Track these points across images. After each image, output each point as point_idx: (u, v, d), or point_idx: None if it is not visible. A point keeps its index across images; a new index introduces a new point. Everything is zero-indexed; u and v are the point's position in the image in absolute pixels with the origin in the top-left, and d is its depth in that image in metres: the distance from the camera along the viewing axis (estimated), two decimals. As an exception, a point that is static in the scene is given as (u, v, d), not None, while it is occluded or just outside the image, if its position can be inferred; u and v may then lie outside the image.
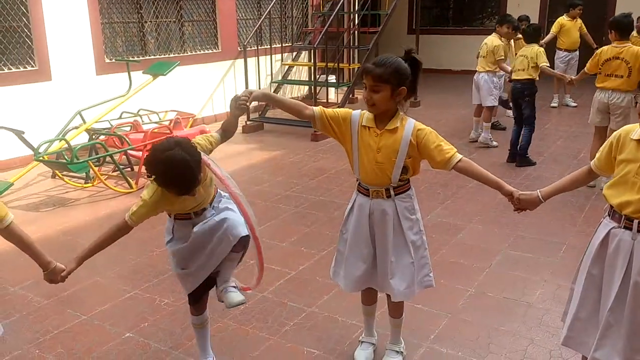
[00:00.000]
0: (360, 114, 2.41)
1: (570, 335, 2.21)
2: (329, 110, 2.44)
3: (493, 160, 6.24)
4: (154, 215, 2.29)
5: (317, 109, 2.41)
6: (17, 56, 6.20)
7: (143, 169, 5.17)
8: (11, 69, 6.15)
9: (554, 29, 8.84)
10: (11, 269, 3.73)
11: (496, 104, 6.90)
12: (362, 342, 2.78)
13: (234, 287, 2.47)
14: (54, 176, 5.72)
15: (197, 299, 2.53)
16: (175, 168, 2.08)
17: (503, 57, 6.58)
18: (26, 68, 6.28)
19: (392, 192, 2.39)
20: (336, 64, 8.87)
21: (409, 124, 2.34)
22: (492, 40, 6.66)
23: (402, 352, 2.71)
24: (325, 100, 8.12)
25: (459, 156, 2.32)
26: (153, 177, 2.15)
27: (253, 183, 5.54)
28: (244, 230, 2.35)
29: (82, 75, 6.77)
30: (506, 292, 3.37)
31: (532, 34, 6.09)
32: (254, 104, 2.37)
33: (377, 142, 2.34)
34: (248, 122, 7.92)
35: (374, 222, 2.44)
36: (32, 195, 5.30)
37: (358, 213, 2.48)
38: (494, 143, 6.81)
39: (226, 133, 2.50)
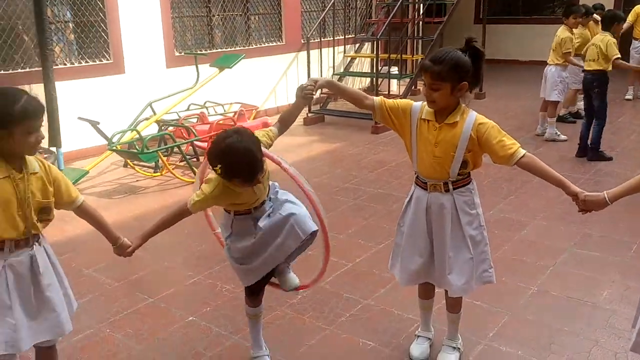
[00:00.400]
0: (421, 106, 2.39)
1: None
2: (390, 101, 2.42)
3: (561, 155, 6.00)
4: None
5: (378, 99, 2.41)
6: (94, 50, 6.55)
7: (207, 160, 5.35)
8: (88, 62, 6.50)
9: (630, 17, 8.38)
10: (85, 253, 3.97)
11: (560, 99, 6.63)
12: (418, 336, 2.78)
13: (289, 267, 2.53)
14: (125, 165, 6.02)
15: (255, 292, 2.57)
16: (237, 154, 2.11)
17: (570, 51, 6.32)
18: (102, 61, 6.62)
19: (450, 186, 2.36)
20: (399, 56, 8.78)
21: (470, 118, 2.30)
22: (561, 32, 6.42)
23: (459, 348, 2.69)
24: (387, 92, 8.05)
25: (522, 152, 2.26)
26: (217, 167, 2.16)
27: (312, 175, 5.60)
28: (313, 225, 2.37)
29: (153, 68, 7.05)
30: (571, 292, 3.25)
31: (607, 21, 5.79)
32: (317, 95, 2.38)
33: (436, 136, 2.32)
34: (309, 114, 8.00)
35: (431, 216, 2.42)
36: (105, 183, 5.60)
37: (415, 206, 2.47)
38: (562, 137, 6.55)
39: (284, 125, 2.50)
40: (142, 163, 5.68)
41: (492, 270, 2.48)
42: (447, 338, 2.70)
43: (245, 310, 2.65)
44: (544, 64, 6.74)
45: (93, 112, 5.95)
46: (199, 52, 6.85)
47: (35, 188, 1.97)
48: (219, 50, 7.78)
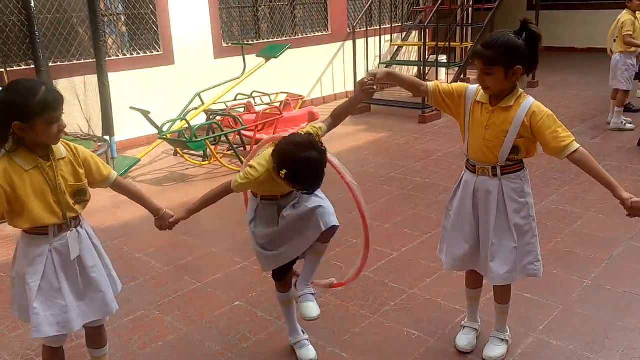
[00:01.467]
0: (476, 89, 2.34)
1: None
2: (445, 85, 2.39)
3: (620, 145, 5.75)
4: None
5: (431, 84, 2.37)
6: (144, 42, 6.71)
7: (255, 149, 5.40)
8: (139, 54, 6.67)
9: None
10: (137, 238, 4.09)
11: (629, 87, 6.33)
12: (464, 326, 2.73)
13: (313, 294, 2.50)
14: (175, 154, 6.16)
15: (281, 277, 2.57)
16: (311, 171, 2.12)
17: (630, 33, 6.01)
18: (152, 53, 6.78)
19: (498, 171, 2.30)
20: (447, 43, 8.61)
21: (525, 103, 2.23)
22: (623, 15, 6.12)
23: (507, 340, 2.62)
24: (434, 81, 7.92)
25: (575, 146, 2.17)
26: (283, 171, 2.11)
27: (358, 164, 5.57)
28: (334, 220, 2.34)
29: (202, 59, 7.17)
30: (627, 286, 3.11)
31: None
32: (377, 89, 2.36)
33: (487, 119, 2.26)
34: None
35: (478, 201, 2.37)
36: (156, 171, 5.75)
37: (463, 190, 2.42)
38: (629, 126, 6.26)
39: (336, 120, 2.49)
40: (191, 152, 5.80)
41: (538, 264, 2.39)
42: (495, 329, 2.63)
43: (277, 296, 2.65)
44: (602, 50, 6.46)
45: (144, 102, 6.11)
46: (245, 42, 6.91)
47: (66, 173, 2.01)
48: (266, 40, 7.83)
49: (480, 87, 2.27)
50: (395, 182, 5.03)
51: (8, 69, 5.45)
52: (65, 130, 5.58)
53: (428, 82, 2.40)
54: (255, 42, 7.54)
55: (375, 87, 2.34)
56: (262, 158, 2.29)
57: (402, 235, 3.93)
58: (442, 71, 8.99)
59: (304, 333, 2.70)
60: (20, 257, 2.02)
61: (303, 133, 2.26)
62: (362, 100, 2.44)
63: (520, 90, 2.26)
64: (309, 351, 2.63)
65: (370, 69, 8.57)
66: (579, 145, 2.18)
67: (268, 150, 2.28)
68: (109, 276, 2.20)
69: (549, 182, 4.79)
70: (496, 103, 2.26)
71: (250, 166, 2.28)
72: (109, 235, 4.07)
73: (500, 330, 2.62)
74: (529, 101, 2.24)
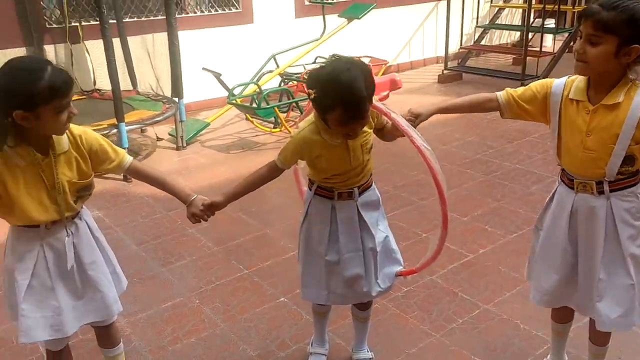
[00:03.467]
0: (564, 84, 1.80)
1: None
2: (520, 90, 1.88)
3: None
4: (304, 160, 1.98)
5: (502, 94, 1.88)
6: (223, -2, 6.41)
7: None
8: (217, 11, 6.38)
9: None
10: (193, 209, 3.87)
11: None
12: (546, 364, 2.23)
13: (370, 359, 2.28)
14: (247, 118, 5.89)
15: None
16: (339, 78, 1.72)
17: None
18: (231, 10, 6.47)
19: (606, 188, 1.76)
20: (556, 6, 7.58)
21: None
22: None
23: (600, 389, 2.10)
24: (538, 49, 7.02)
25: None
26: (313, 90, 1.75)
27: (440, 142, 5.01)
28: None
29: (282, 18, 6.77)
30: None
31: None
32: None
33: (588, 121, 1.72)
34: (445, 72, 7.26)
35: (577, 224, 1.84)
36: (225, 137, 5.51)
37: (557, 208, 1.90)
38: None
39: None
40: (261, 118, 5.50)
41: None
42: (586, 374, 2.12)
43: (312, 306, 2.30)
44: None
45: (217, 62, 5.84)
46: (325, 0, 6.40)
47: (67, 170, 1.72)
48: (350, -1, 7.26)
49: (576, 60, 1.69)
50: (480, 166, 4.44)
51: (83, 24, 5.37)
52: (137, 89, 5.28)
53: (498, 93, 1.89)
54: (338, 0, 7.01)
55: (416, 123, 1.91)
56: (311, 116, 1.93)
57: (481, 232, 3.40)
58: (549, 38, 8.00)
59: (327, 348, 2.40)
60: (9, 251, 1.77)
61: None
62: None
63: (631, 80, 1.68)
64: None
65: (465, 32, 7.78)
66: None
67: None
68: (112, 273, 1.92)
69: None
70: (598, 99, 1.70)
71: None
72: (165, 206, 3.88)
73: (593, 377, 2.10)
74: None
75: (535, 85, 1.86)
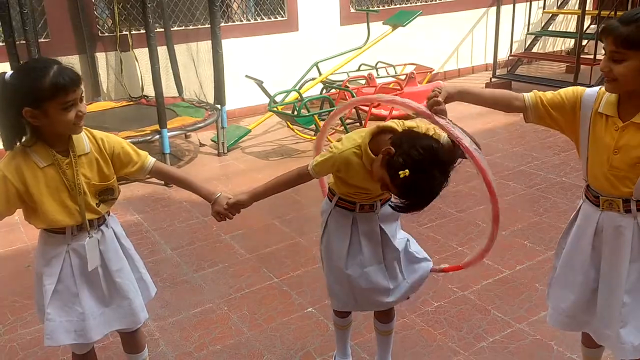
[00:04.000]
0: (596, 95, 1.70)
1: None
2: (550, 94, 1.76)
3: None
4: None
5: (530, 95, 1.77)
6: (269, 6, 6.49)
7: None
8: (263, 19, 6.47)
9: None
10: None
11: None
12: (578, 391, 2.12)
13: None
14: (288, 126, 5.93)
15: (345, 314, 2.22)
16: (431, 190, 1.67)
17: None
18: (277, 18, 6.54)
19: (633, 207, 1.66)
20: (613, 12, 7.27)
21: None
22: None
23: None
24: (592, 57, 6.74)
25: None
26: (405, 171, 1.61)
27: (484, 152, 4.82)
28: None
29: (327, 25, 6.79)
30: None
31: None
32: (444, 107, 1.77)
33: (617, 139, 1.62)
34: (493, 80, 7.08)
35: (601, 243, 1.74)
36: (266, 143, 5.56)
37: (581, 225, 1.80)
38: None
39: None
40: (302, 126, 5.52)
41: None
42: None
43: (333, 318, 2.27)
44: None
45: (261, 70, 5.92)
46: (370, 8, 6.38)
47: (87, 171, 1.76)
48: (396, 6, 7.20)
49: (605, 80, 1.61)
50: (523, 178, 4.29)
51: (132, 32, 5.56)
52: (183, 96, 5.45)
53: (525, 94, 1.78)
54: (384, 8, 6.96)
55: (443, 108, 1.69)
56: (355, 133, 1.86)
57: (520, 247, 3.28)
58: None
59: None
60: (38, 255, 1.83)
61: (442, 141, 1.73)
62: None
63: None
64: None
65: (515, 39, 7.57)
66: None
67: (365, 129, 1.85)
68: (139, 280, 1.95)
69: None
70: (629, 116, 1.60)
71: (337, 142, 1.87)
72: (202, 211, 3.94)
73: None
74: None
75: (566, 92, 1.75)
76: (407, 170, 1.60)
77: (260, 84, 5.33)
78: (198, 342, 2.60)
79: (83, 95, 1.69)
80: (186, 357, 2.51)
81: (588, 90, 1.73)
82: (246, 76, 5.45)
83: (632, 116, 1.60)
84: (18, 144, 1.69)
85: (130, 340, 2.07)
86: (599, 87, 1.72)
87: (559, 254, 1.90)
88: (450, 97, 1.73)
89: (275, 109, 5.23)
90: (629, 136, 1.61)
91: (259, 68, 6.01)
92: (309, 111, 5.14)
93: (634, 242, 1.68)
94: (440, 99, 1.68)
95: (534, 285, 2.89)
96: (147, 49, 4.44)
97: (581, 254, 1.79)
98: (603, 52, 1.65)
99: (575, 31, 8.17)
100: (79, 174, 1.73)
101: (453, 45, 7.86)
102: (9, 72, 1.64)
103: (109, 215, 1.89)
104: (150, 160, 1.92)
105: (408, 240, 2.08)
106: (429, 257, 2.14)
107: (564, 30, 8.52)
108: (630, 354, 1.75)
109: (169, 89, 5.59)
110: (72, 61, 5.32)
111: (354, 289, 2.01)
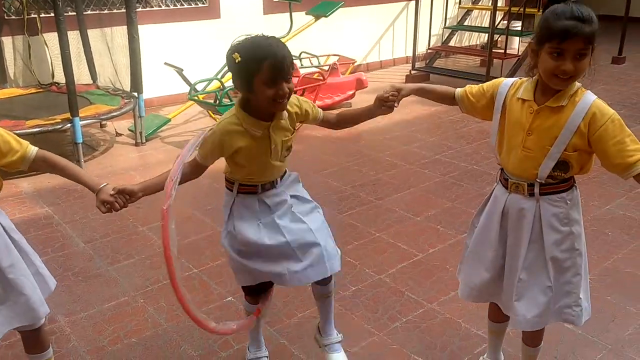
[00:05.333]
0: (512, 84, 1.83)
1: None
2: (476, 87, 1.94)
3: None
4: (224, 156, 1.93)
5: (459, 90, 1.96)
6: (190, -7, 6.34)
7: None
8: (184, 5, 6.31)
9: None
10: (146, 208, 3.79)
11: None
12: (482, 362, 2.26)
13: (339, 342, 2.25)
14: (210, 115, 5.83)
15: (253, 293, 2.19)
16: (264, 41, 1.77)
17: None
18: (197, 5, 6.40)
19: (536, 190, 1.78)
20: (522, 9, 7.68)
21: (583, 102, 1.68)
22: None
23: (533, 388, 2.13)
24: (503, 51, 7.11)
25: None
26: (236, 53, 1.75)
27: (402, 142, 5.04)
28: (338, 265, 2.02)
29: (250, 13, 6.72)
30: (701, 330, 2.51)
31: None
32: (397, 106, 1.96)
33: (531, 121, 1.74)
34: (412, 72, 7.31)
35: (507, 223, 1.87)
36: (187, 133, 5.45)
37: (491, 206, 1.94)
38: None
39: (340, 124, 2.12)
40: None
41: (578, 310, 1.86)
42: (520, 374, 2.15)
43: (244, 305, 2.27)
44: None
45: (181, 58, 5.77)
46: (292, -2, 6.37)
47: None
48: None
49: (557, 78, 1.65)
50: (438, 166, 4.48)
51: (41, 16, 5.25)
52: (97, 83, 5.27)
53: (457, 89, 1.97)
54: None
55: (396, 104, 1.92)
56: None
57: (433, 232, 3.43)
58: (515, 40, 8.12)
59: (265, 349, 2.37)
60: None
61: None
62: (378, 115, 2.00)
63: (577, 85, 1.71)
64: None
65: (433, 33, 7.84)
66: None
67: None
68: (35, 274, 1.85)
69: (619, 181, 4.08)
70: (544, 101, 1.73)
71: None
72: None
73: (527, 377, 2.13)
74: (588, 99, 1.68)
75: (487, 83, 1.91)
76: (237, 54, 1.75)
77: (180, 72, 5.20)
78: (112, 336, 2.53)
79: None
80: (99, 352, 2.44)
81: (506, 80, 1.85)
82: (165, 63, 5.29)
83: (546, 101, 1.72)
84: None
85: (32, 339, 1.96)
86: (517, 77, 1.84)
87: (472, 232, 2.03)
88: (405, 96, 1.95)
89: (196, 97, 5.14)
90: (542, 119, 1.72)
91: (179, 56, 5.85)
92: (231, 100, 5.08)
93: (534, 224, 1.80)
94: (396, 104, 1.92)
95: (445, 267, 3.03)
96: (57, 33, 4.21)
97: (491, 233, 1.91)
98: (514, 47, 1.77)
99: (488, 26, 8.59)
100: None
101: (375, 37, 8.02)
102: None
103: None
104: (33, 149, 1.79)
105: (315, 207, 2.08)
106: (333, 251, 2.04)
107: (479, 25, 8.91)
108: (522, 325, 1.89)
109: (82, 76, 5.34)
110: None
111: (246, 264, 2.00)
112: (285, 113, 1.89)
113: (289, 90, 1.79)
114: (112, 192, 1.84)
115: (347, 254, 3.16)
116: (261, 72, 1.73)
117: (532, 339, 2.05)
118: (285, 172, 2.04)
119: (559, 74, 1.64)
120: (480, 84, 1.93)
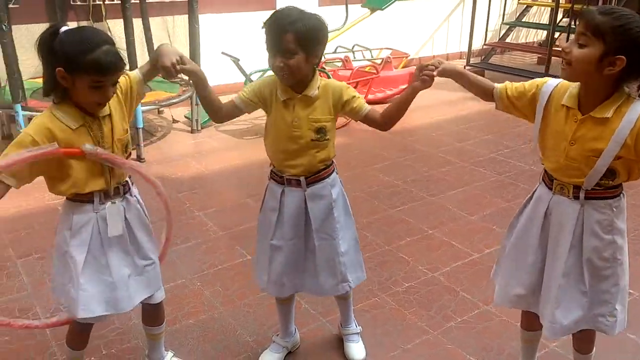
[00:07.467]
0: (557, 86, 1.75)
1: None
2: (517, 85, 1.85)
3: None
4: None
5: (499, 86, 1.86)
6: (247, -17, 6.39)
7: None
8: (242, -4, 6.38)
9: None
10: (202, 194, 3.90)
11: None
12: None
13: (358, 334, 2.34)
14: (263, 105, 5.88)
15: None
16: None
17: None
18: (255, -5, 6.46)
19: (581, 195, 1.71)
20: (586, 6, 7.42)
21: (631, 114, 1.59)
22: None
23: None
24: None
25: None
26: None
27: (455, 138, 4.97)
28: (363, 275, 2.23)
29: (306, 5, 6.63)
30: None
31: None
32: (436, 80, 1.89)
33: (574, 130, 1.67)
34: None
35: (549, 225, 1.80)
36: (240, 122, 5.50)
37: (534, 206, 1.86)
38: None
39: (387, 120, 2.05)
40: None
41: (613, 320, 1.78)
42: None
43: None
44: None
45: (238, 47, 5.84)
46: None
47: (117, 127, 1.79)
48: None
49: (561, 60, 1.64)
50: (494, 165, 4.38)
51: (106, 2, 5.41)
52: None
53: (497, 85, 1.86)
54: (364, -10, 6.93)
55: (435, 73, 1.84)
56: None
57: (488, 232, 3.37)
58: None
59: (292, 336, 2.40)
60: (63, 227, 1.80)
61: None
62: (417, 90, 1.90)
63: (625, 95, 1.62)
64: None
65: (491, 28, 7.66)
66: None
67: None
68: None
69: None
70: (588, 110, 1.65)
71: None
72: (175, 187, 3.91)
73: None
74: (635, 110, 1.59)
75: (530, 82, 1.82)
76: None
77: (236, 61, 5.27)
78: (170, 317, 2.59)
79: (117, 83, 1.71)
80: (158, 331, 2.51)
81: (550, 80, 1.77)
82: (222, 53, 5.37)
83: (591, 110, 1.64)
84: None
85: (154, 311, 2.10)
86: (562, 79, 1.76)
87: (510, 233, 1.96)
88: (445, 73, 1.85)
89: (250, 87, 5.18)
90: (586, 129, 1.65)
91: (236, 45, 5.92)
92: (284, 91, 5.10)
93: (576, 229, 1.73)
94: (435, 73, 1.83)
95: (501, 269, 2.97)
96: (121, 20, 4.33)
97: (531, 235, 1.84)
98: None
99: (548, 23, 8.33)
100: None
101: (429, 31, 7.91)
102: (66, 27, 1.64)
103: (132, 183, 1.92)
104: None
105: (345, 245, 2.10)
106: (346, 278, 2.10)
107: (537, 22, 8.65)
108: (558, 334, 1.83)
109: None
110: (42, 29, 5.14)
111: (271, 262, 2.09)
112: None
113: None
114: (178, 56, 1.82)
115: (399, 250, 3.14)
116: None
117: (583, 343, 1.98)
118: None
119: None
120: (522, 82, 1.85)
